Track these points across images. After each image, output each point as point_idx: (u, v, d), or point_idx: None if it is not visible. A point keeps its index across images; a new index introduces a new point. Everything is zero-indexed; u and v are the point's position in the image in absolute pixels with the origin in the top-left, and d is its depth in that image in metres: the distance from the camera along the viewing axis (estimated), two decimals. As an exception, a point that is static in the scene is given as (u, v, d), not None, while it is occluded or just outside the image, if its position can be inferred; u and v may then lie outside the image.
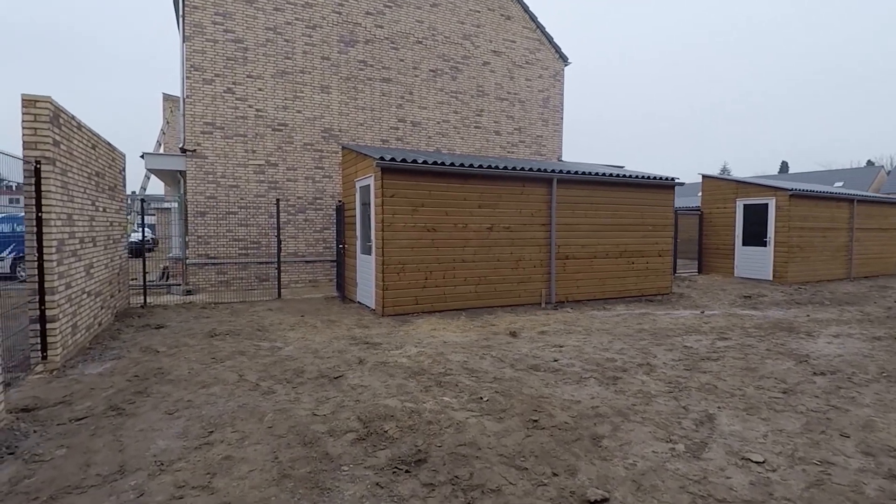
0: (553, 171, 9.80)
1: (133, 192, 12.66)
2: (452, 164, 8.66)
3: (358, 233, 9.62)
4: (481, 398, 4.09)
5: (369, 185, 8.83)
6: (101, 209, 6.99)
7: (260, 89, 11.56)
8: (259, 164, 11.64)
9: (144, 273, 9.22)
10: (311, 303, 9.80)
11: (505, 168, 9.20)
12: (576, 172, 10.09)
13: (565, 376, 4.90)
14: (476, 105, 14.25)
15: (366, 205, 9.32)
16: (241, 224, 11.50)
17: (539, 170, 9.64)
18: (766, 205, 14.84)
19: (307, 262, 12.21)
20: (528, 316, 8.56)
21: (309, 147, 12.13)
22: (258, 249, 11.68)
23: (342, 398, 4.19)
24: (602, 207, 10.53)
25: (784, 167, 78.93)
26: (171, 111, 13.02)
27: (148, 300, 9.48)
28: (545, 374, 4.94)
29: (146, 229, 28.77)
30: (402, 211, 8.40)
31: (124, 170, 8.75)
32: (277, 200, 10.19)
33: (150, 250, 22.48)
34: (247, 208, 11.52)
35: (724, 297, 11.55)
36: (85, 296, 6.11)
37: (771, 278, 14.57)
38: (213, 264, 11.24)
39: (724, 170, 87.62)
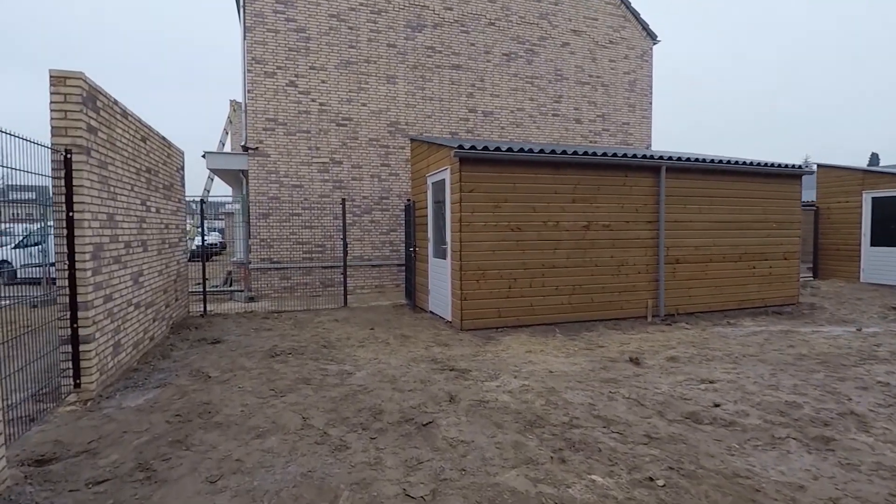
0: (661, 157, 8.21)
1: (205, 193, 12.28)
2: (542, 151, 7.32)
3: (430, 234, 8.50)
4: (651, 479, 2.73)
5: (444, 180, 7.67)
6: (153, 210, 6.26)
7: (323, 81, 10.76)
8: (323, 162, 10.83)
9: (204, 279, 8.56)
10: (379, 312, 8.77)
11: (605, 154, 7.73)
12: (687, 159, 8.44)
13: (747, 434, 3.43)
14: (554, 91, 12.79)
15: (439, 203, 8.18)
16: (305, 226, 10.73)
17: (645, 156, 8.08)
18: (907, 197, 12.32)
19: (373, 266, 11.27)
20: (639, 334, 7.04)
21: (374, 142, 11.20)
22: (322, 253, 10.86)
23: (440, 463, 2.98)
24: (718, 201, 8.79)
25: (874, 159, 70.02)
26: (235, 110, 12.60)
27: (209, 308, 8.83)
28: (716, 430, 3.50)
29: (216, 232, 29.21)
30: (482, 208, 7.16)
31: (183, 168, 8.12)
32: (343, 200, 9.29)
33: (217, 254, 22.69)
34: (311, 209, 10.74)
35: (865, 308, 9.41)
36: (132, 308, 5.33)
37: (912, 284, 12.07)
38: (277, 269, 10.53)
39: (805, 163, 79.34)
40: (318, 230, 10.81)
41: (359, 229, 11.10)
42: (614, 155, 7.85)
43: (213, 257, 20.82)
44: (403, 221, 11.26)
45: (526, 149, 7.25)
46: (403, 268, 11.47)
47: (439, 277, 8.05)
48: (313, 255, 10.78)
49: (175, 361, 5.41)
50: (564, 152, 7.47)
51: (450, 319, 7.52)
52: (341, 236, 10.87)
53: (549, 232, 7.59)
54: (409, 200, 9.70)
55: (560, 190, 7.63)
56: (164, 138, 6.90)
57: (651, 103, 13.93)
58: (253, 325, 7.50)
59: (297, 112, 10.61)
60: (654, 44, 14.05)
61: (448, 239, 7.53)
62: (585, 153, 7.64)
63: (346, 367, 5.14)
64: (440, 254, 8.10)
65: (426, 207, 8.58)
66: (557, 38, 12.76)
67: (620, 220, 8.07)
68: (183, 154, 8.19)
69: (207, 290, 10.17)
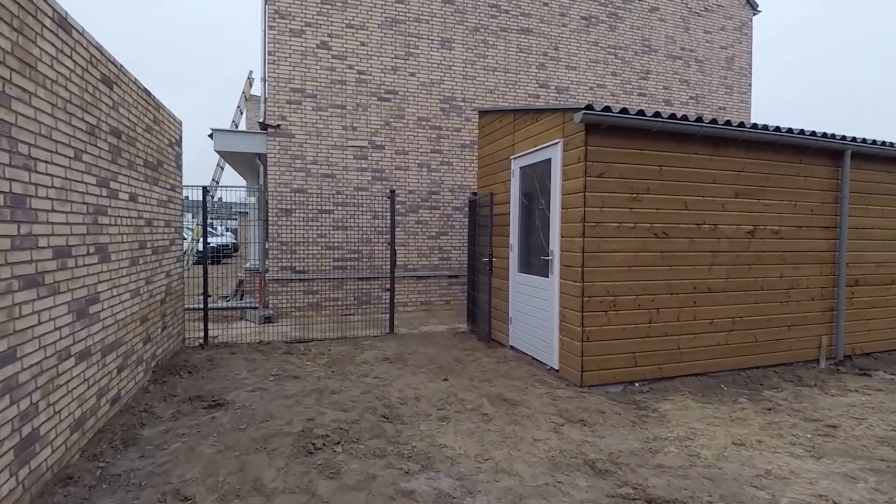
0: (844, 138, 5.81)
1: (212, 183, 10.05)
2: (699, 121, 4.96)
3: (513, 240, 6.17)
4: None
5: (548, 161, 5.35)
6: (124, 196, 4.02)
7: (363, 44, 8.52)
8: (361, 147, 8.58)
9: (206, 297, 6.31)
10: (439, 343, 6.47)
11: (777, 130, 5.37)
12: (872, 142, 6.04)
13: None
14: (640, 65, 10.42)
15: (529, 195, 5.88)
16: (338, 226, 8.48)
17: (825, 136, 5.70)
18: None
19: (418, 277, 8.98)
20: (847, 395, 4.65)
21: (424, 123, 8.93)
22: (358, 261, 8.60)
23: None
24: (900, 201, 6.40)
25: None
26: (251, 84, 10.45)
27: (212, 333, 6.59)
28: None
29: (228, 232, 26.81)
30: (614, 201, 4.82)
31: (179, 144, 5.91)
32: (392, 192, 7.00)
33: (228, 256, 20.52)
34: (344, 205, 8.49)
35: None
36: (71, 363, 3.08)
37: None
38: (301, 280, 8.29)
39: None
40: (352, 232, 8.55)
41: (402, 232, 8.83)
42: (789, 131, 5.48)
43: (225, 260, 18.66)
44: (467, 222, 8.96)
45: (679, 116, 4.89)
46: (453, 280, 9.18)
47: (532, 302, 5.72)
48: (346, 264, 8.52)
49: (143, 456, 3.12)
50: (728, 123, 5.12)
51: (556, 367, 5.17)
52: (384, 240, 8.61)
53: (704, 240, 5.23)
54: (474, 195, 7.40)
55: (720, 178, 5.27)
56: (147, 93, 4.67)
57: (751, 85, 11.49)
58: (272, 368, 5.22)
59: (330, 82, 8.38)
60: (755, 14, 11.62)
61: (555, 248, 5.20)
62: (755, 126, 5.27)
63: (442, 483, 2.82)
64: (531, 268, 5.78)
65: (508, 202, 6.26)
66: (645, 2, 10.40)
67: (792, 225, 5.70)
68: (180, 125, 5.97)
69: (213, 306, 7.95)
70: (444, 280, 9.17)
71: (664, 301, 5.05)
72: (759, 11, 11.71)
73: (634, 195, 4.89)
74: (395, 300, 8.49)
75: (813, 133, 5.68)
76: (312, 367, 5.28)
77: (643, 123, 4.72)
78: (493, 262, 6.63)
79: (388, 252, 8.41)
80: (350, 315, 8.36)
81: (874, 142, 6.09)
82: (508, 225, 6.26)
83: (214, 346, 6.19)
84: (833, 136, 5.79)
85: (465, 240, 9.17)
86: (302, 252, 8.27)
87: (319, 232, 8.35)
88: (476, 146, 9.11)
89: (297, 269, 8.27)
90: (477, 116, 9.16)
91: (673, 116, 4.85)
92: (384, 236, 8.65)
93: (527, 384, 4.72)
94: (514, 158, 6.12)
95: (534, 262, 5.76)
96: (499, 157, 6.62)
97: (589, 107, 4.55)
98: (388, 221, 8.56)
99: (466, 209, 9.12)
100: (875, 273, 6.31)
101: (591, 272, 4.75)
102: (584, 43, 9.93)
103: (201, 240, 9.60)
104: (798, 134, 5.52)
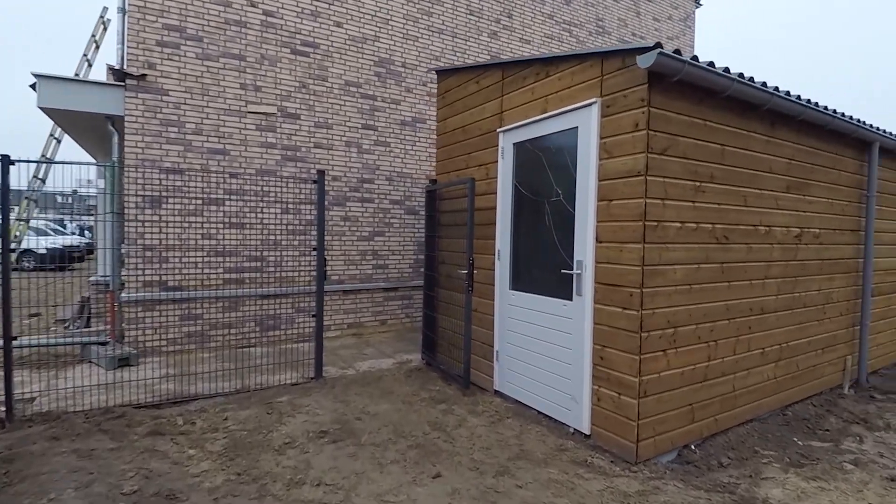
0: (871, 128, 4.97)
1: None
2: (764, 87, 3.67)
3: (502, 244, 4.49)
4: None
5: (573, 132, 3.73)
6: None
7: (270, -26, 6.26)
8: (267, 114, 6.30)
9: (8, 339, 3.73)
10: (394, 391, 4.57)
11: (826, 111, 4.31)
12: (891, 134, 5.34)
13: None
14: (594, 45, 9.35)
15: (528, 182, 4.24)
16: (232, 224, 6.12)
17: (861, 123, 4.79)
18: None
19: (345, 292, 6.94)
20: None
21: (353, 88, 6.89)
22: (261, 272, 6.31)
23: None
24: (906, 202, 5.87)
25: None
26: (105, 26, 7.55)
27: (27, 391, 4.02)
28: None
29: (82, 231, 21.58)
30: (677, 190, 3.34)
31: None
32: (321, 174, 4.94)
33: (79, 259, 16.25)
34: (242, 194, 6.16)
35: None
36: None
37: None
38: (176, 300, 5.81)
39: None
40: (253, 231, 6.25)
41: (325, 232, 6.70)
42: (841, 115, 4.45)
43: (74, 263, 14.59)
44: (410, 219, 7.12)
45: (746, 77, 3.54)
46: (390, 294, 7.31)
47: (537, 332, 4.07)
48: (243, 276, 6.20)
49: None
50: (789, 95, 3.91)
51: (584, 430, 3.55)
52: (298, 241, 6.47)
53: (760, 247, 3.98)
54: (432, 182, 5.60)
55: (775, 167, 4.06)
56: None
57: (692, 81, 11.05)
58: (126, 472, 2.96)
59: (224, 21, 6.00)
60: (697, 7, 11.24)
61: (586, 258, 3.59)
62: (810, 102, 4.14)
63: None
64: (535, 284, 4.15)
65: (494, 192, 4.55)
66: (599, -24, 9.36)
67: (829, 228, 4.74)
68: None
69: (35, 342, 5.21)
70: (378, 294, 7.21)
71: (722, 330, 3.70)
72: (701, 5, 11.36)
73: (698, 184, 3.46)
74: (313, 324, 6.36)
75: (851, 118, 4.74)
76: (201, 463, 3.10)
77: (719, 81, 3.28)
78: (476, 273, 4.84)
79: (307, 259, 6.30)
80: (251, 347, 6.08)
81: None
82: (494, 224, 4.54)
83: (26, 420, 3.66)
84: (862, 124, 4.92)
85: (406, 242, 7.32)
86: (177, 260, 5.80)
87: (204, 231, 5.94)
88: (430, 121, 7.31)
89: (171, 284, 5.78)
90: (422, 87, 7.35)
91: (741, 76, 3.50)
92: (298, 237, 6.48)
93: (567, 473, 3.04)
94: (505, 132, 4.43)
95: (539, 275, 4.12)
96: (475, 130, 4.88)
97: (659, 45, 3.00)
98: (303, 217, 6.46)
99: (408, 203, 7.28)
100: (886, 282, 5.67)
101: (652, 295, 3.21)
102: (539, 14, 8.57)
103: (21, 242, 6.66)
104: (850, 119, 4.53)
